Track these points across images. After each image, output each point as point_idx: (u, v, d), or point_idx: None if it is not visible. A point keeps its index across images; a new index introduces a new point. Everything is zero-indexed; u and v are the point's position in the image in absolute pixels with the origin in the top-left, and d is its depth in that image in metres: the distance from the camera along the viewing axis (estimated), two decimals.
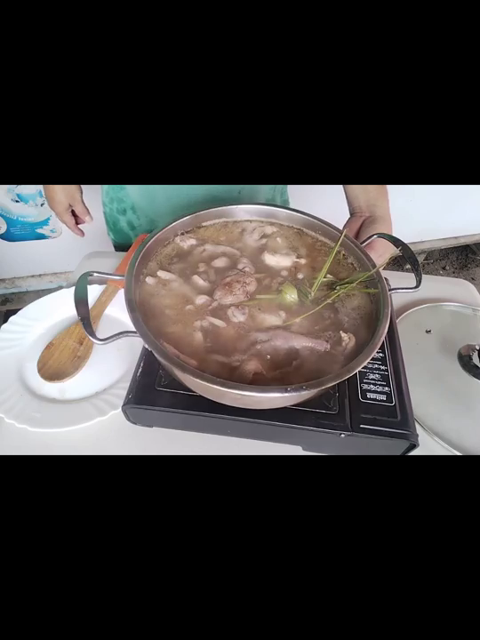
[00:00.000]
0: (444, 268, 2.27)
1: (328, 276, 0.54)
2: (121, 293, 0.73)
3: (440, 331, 0.71)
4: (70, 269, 1.66)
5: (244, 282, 0.52)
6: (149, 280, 0.52)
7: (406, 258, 0.57)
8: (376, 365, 0.53)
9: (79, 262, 0.84)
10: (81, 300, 0.48)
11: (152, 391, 0.49)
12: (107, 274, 0.55)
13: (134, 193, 0.88)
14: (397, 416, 0.48)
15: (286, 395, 0.39)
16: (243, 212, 0.62)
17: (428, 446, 0.57)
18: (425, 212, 1.88)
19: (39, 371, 0.62)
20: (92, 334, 0.46)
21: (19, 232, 1.55)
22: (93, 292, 0.73)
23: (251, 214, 0.62)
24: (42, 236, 1.59)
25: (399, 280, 0.64)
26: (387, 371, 0.52)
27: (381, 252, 0.62)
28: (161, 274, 0.53)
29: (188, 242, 0.58)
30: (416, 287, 0.55)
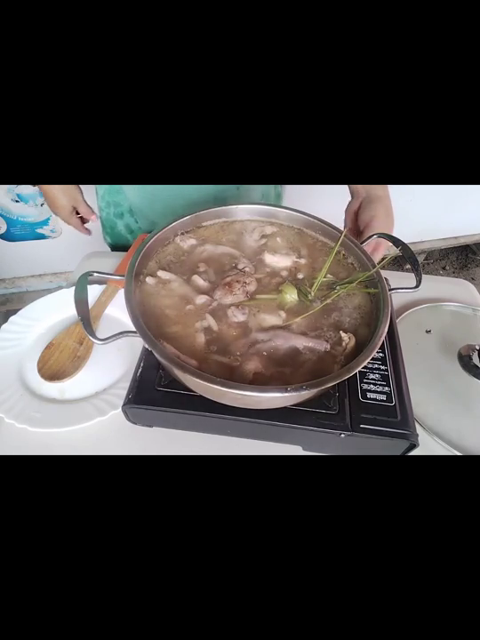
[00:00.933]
0: (444, 268, 2.27)
1: (328, 275, 0.54)
2: (121, 293, 0.73)
3: (440, 331, 0.71)
4: (70, 269, 1.66)
5: (243, 282, 0.52)
6: (149, 280, 0.52)
7: (406, 258, 0.57)
8: (376, 365, 0.53)
9: (79, 262, 0.84)
10: (81, 300, 0.48)
11: (152, 391, 0.49)
12: (107, 274, 0.55)
13: (132, 195, 0.87)
14: (397, 416, 0.48)
15: (286, 395, 0.39)
16: (243, 211, 0.62)
17: (427, 446, 0.57)
18: (425, 212, 1.88)
19: (39, 371, 0.62)
20: (92, 334, 0.46)
21: (19, 232, 1.55)
22: (93, 292, 0.73)
23: (251, 214, 0.62)
24: (42, 236, 1.59)
25: (399, 280, 0.64)
26: (387, 371, 0.52)
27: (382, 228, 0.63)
28: (161, 274, 0.53)
29: (187, 242, 0.58)
30: (416, 287, 0.55)
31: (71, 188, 0.85)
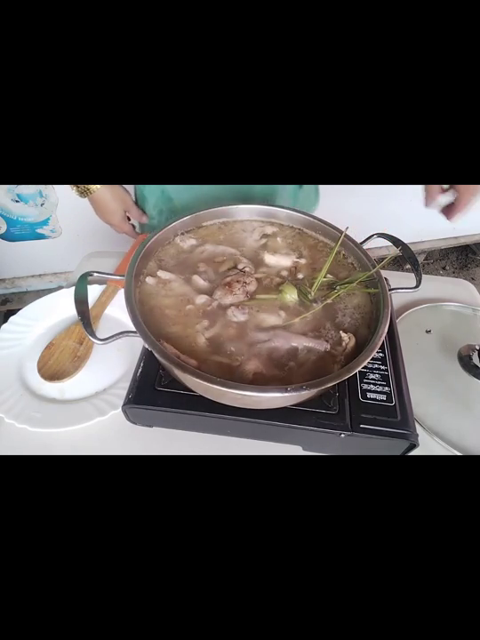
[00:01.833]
0: (444, 268, 2.27)
1: (328, 275, 0.54)
2: (121, 293, 0.73)
3: (440, 331, 0.71)
4: (70, 269, 1.66)
5: (243, 282, 0.52)
6: (149, 280, 0.52)
7: (406, 258, 0.57)
8: (376, 365, 0.53)
9: (79, 262, 0.84)
10: (81, 300, 0.48)
11: (152, 391, 0.49)
12: (107, 274, 0.55)
13: (179, 201, 0.82)
14: (397, 416, 0.48)
15: (286, 395, 0.39)
16: (243, 211, 0.62)
17: (427, 446, 0.57)
18: (425, 211, 1.88)
19: (39, 371, 0.62)
20: (92, 334, 0.46)
21: (19, 232, 1.55)
22: (93, 292, 0.73)
23: (251, 214, 0.62)
24: (42, 236, 1.59)
25: (399, 280, 0.64)
26: (387, 371, 0.52)
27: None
28: (161, 274, 0.53)
29: (188, 242, 0.58)
30: (416, 287, 0.55)
31: (120, 191, 0.78)
